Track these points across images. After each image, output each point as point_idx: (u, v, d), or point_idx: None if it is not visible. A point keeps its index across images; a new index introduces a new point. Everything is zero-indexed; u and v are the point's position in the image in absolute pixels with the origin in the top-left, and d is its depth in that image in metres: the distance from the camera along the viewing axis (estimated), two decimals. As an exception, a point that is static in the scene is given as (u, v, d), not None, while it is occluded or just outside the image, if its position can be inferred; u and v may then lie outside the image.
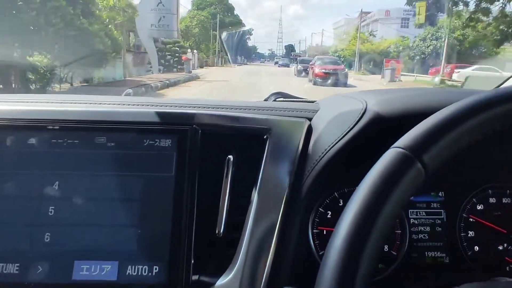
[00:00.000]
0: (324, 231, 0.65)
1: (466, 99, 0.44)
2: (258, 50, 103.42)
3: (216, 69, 32.44)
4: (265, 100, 1.00)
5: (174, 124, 0.62)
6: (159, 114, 0.64)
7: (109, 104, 0.71)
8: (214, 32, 43.42)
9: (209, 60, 38.50)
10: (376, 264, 0.38)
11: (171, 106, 0.71)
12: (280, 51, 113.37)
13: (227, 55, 43.56)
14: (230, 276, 0.56)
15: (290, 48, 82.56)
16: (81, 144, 0.59)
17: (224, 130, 0.66)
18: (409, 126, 0.45)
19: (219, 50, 42.59)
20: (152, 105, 0.71)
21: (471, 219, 0.68)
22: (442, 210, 0.68)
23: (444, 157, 0.41)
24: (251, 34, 52.59)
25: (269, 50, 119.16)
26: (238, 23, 50.75)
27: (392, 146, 0.42)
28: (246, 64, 55.76)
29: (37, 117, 0.62)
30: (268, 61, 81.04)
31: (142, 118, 0.63)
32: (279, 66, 41.55)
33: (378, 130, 0.60)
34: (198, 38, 40.94)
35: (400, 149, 0.41)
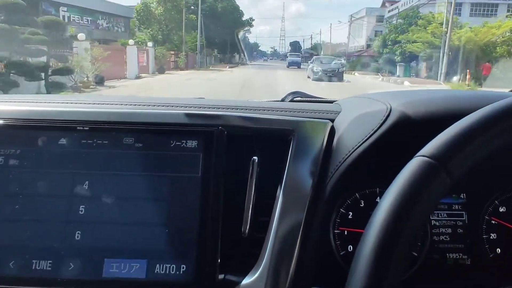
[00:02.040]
0: (345, 231, 0.67)
1: (490, 105, 0.45)
2: (260, 48, 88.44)
3: (178, 80, 11.40)
4: (282, 99, 1.02)
5: (201, 126, 0.66)
6: (186, 115, 0.68)
7: (137, 104, 0.76)
8: (193, 15, 29.81)
9: (180, 59, 18.75)
10: (403, 269, 0.40)
11: (197, 107, 0.75)
12: (284, 48, 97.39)
13: (244, 55, 38.00)
14: (256, 275, 0.59)
15: (296, 45, 76.92)
16: (110, 145, 0.64)
17: (249, 131, 0.70)
18: (434, 130, 0.46)
19: (201, 45, 23.90)
20: (178, 106, 0.76)
21: (493, 221, 0.69)
22: (463, 212, 0.70)
23: (469, 165, 0.42)
24: (251, 26, 33.76)
25: (272, 48, 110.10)
26: (235, 10, 39.08)
27: (417, 154, 0.43)
28: (246, 64, 37.77)
29: (67, 118, 0.67)
30: (271, 59, 74.83)
31: (169, 119, 0.67)
32: (315, 78, 18.09)
33: (402, 133, 0.64)
34: (165, 25, 21.49)
35: (425, 158, 0.42)
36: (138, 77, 16.72)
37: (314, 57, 23.70)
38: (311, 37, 69.77)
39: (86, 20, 21.78)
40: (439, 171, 0.40)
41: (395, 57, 22.36)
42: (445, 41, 17.27)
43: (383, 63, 24.41)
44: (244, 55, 37.78)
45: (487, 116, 0.44)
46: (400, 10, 34.08)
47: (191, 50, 28.26)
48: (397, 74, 20.77)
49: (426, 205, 0.40)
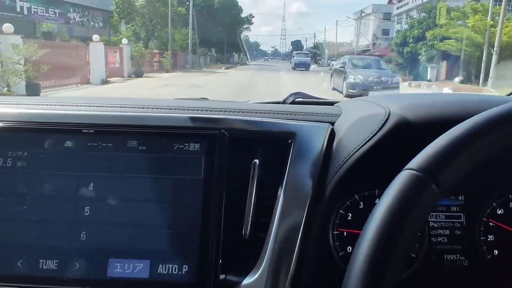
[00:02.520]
0: (344, 232, 0.69)
1: (480, 114, 0.45)
2: (260, 47, 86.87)
3: (152, 86, 6.13)
4: (284, 100, 1.03)
5: (203, 129, 0.69)
6: (188, 118, 0.70)
7: (141, 108, 0.78)
8: (182, 9, 25.94)
9: (165, 59, 14.08)
10: (398, 275, 0.41)
11: (199, 110, 0.78)
12: (285, 48, 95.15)
13: (246, 55, 36.17)
14: (256, 275, 0.61)
15: (298, 45, 73.24)
16: (114, 147, 0.66)
17: (251, 135, 0.72)
18: (432, 134, 0.47)
19: (194, 43, 19.74)
20: (181, 109, 0.78)
21: (491, 223, 0.71)
22: (461, 214, 0.71)
23: (459, 175, 0.42)
24: (251, 23, 29.59)
25: (272, 47, 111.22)
26: (234, 6, 35.08)
27: (405, 167, 0.43)
28: (245, 64, 34.32)
29: (73, 121, 0.69)
30: (271, 59, 74.20)
31: (172, 122, 0.70)
32: (353, 94, 9.97)
33: (401, 136, 0.66)
34: (149, 19, 16.85)
35: (414, 171, 0.42)
36: (105, 82, 13.17)
37: (346, 57, 13.68)
38: (315, 35, 66.79)
39: (52, 12, 18.13)
40: (429, 184, 0.40)
41: (420, 57, 18.60)
42: (494, 37, 13.45)
43: (404, 64, 20.66)
44: (245, 55, 35.83)
45: (476, 126, 0.43)
46: (412, 6, 30.75)
47: (182, 49, 24.57)
48: (428, 77, 17.00)
49: (417, 217, 0.40)
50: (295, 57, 31.18)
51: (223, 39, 33.22)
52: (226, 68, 27.05)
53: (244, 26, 37.14)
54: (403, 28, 25.11)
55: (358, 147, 0.65)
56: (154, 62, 19.45)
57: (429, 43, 18.42)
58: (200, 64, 27.27)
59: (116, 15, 20.80)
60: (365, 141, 0.65)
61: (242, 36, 33.99)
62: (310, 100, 1.02)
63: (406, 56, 20.41)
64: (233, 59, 42.46)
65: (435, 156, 0.41)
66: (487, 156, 0.42)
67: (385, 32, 40.48)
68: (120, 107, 0.78)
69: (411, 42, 20.37)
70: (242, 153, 0.68)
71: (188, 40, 24.00)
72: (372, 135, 0.65)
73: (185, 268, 0.60)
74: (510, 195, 0.71)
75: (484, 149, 0.42)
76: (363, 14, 41.05)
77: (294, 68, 27.72)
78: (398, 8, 36.20)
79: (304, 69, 27.08)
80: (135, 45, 17.33)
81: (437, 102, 0.73)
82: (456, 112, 0.64)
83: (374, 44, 37.66)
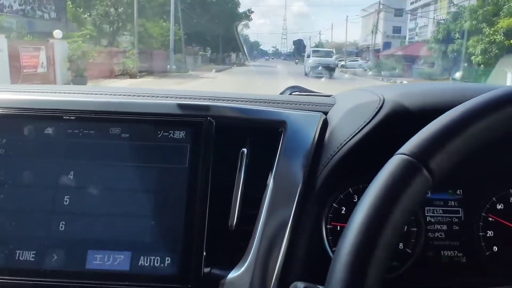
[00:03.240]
0: (338, 227, 0.68)
1: (473, 99, 0.44)
2: (261, 47, 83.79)
3: None
4: (281, 93, 1.01)
5: (189, 116, 0.68)
6: (174, 105, 0.69)
7: (125, 95, 0.78)
8: None
9: (129, 61, 6.85)
10: (385, 267, 0.40)
11: (186, 98, 0.78)
12: (286, 48, 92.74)
13: (245, 54, 30.32)
14: (242, 269, 0.61)
15: (300, 44, 69.71)
16: (96, 135, 0.66)
17: (239, 123, 0.71)
18: (428, 121, 0.45)
19: (178, 39, 12.98)
20: (167, 97, 0.78)
21: (490, 219, 0.69)
22: (459, 209, 0.70)
23: (452, 162, 0.41)
24: (249, 20, 23.76)
25: (273, 47, 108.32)
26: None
27: (397, 152, 0.42)
28: (244, 64, 29.38)
29: (54, 107, 0.68)
30: (272, 59, 72.89)
31: (156, 109, 0.69)
32: None
33: (396, 125, 0.65)
34: (113, 7, 9.51)
35: (405, 156, 0.40)
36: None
37: None
38: (320, 33, 62.53)
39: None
40: (421, 169, 0.39)
41: (474, 57, 13.59)
42: None
43: (442, 66, 15.71)
44: (243, 54, 32.20)
45: (469, 110, 0.42)
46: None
47: (164, 47, 19.55)
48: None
49: (408, 204, 0.39)
50: (311, 57, 20.59)
51: (218, 37, 28.45)
52: (217, 71, 22.85)
53: (243, 22, 32.26)
54: (416, 24, 20.55)
55: (351, 136, 0.64)
56: (114, 64, 14.57)
57: (487, 39, 13.55)
58: (187, 65, 22.37)
59: (69, 1, 15.94)
60: (358, 130, 0.64)
61: (239, 31, 29.14)
62: (307, 93, 1.00)
63: (451, 56, 15.60)
64: (229, 60, 37.87)
65: (428, 141, 0.40)
66: (482, 142, 0.41)
67: (397, 29, 36.22)
68: (103, 94, 0.77)
69: (458, 38, 15.46)
70: (230, 142, 0.67)
71: (167, 33, 19.02)
72: (365, 123, 0.64)
73: (168, 260, 0.59)
74: (510, 190, 0.70)
75: (478, 134, 0.41)
76: (371, 12, 37.44)
77: (308, 74, 18.70)
78: (412, 3, 31.83)
79: (323, 76, 17.79)
80: (71, 40, 12.41)
81: (434, 90, 0.73)
82: (452, 99, 0.62)
83: (386, 43, 33.45)
